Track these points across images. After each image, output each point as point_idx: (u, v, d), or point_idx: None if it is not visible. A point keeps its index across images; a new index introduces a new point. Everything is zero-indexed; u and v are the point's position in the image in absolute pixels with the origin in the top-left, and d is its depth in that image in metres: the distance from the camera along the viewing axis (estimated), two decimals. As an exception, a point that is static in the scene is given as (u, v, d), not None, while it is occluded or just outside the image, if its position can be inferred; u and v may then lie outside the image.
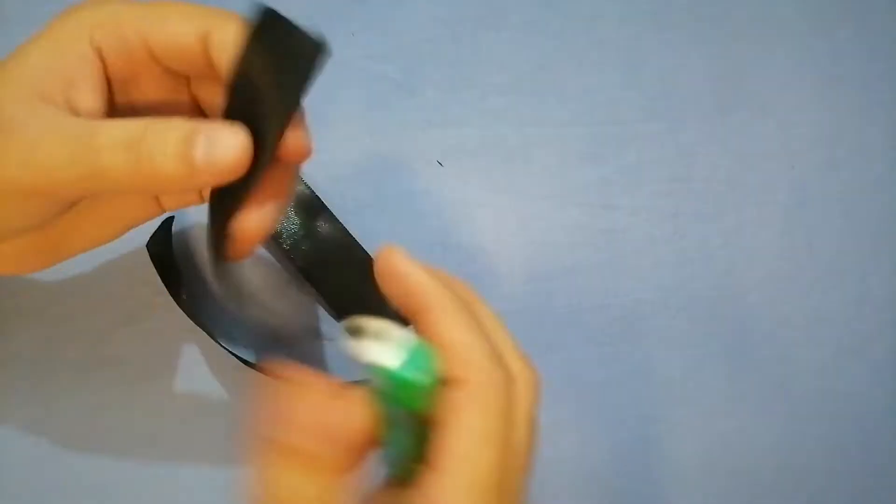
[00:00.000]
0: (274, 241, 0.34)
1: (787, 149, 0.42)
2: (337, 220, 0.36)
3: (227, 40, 0.24)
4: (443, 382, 0.23)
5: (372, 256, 0.36)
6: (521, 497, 0.24)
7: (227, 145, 0.23)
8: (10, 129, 0.24)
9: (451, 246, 0.38)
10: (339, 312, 0.35)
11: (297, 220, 0.35)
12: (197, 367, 0.36)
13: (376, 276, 0.25)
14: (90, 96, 0.25)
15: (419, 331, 0.24)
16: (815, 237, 0.41)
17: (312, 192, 0.36)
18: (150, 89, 0.27)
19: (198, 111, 0.28)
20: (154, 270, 0.33)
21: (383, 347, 0.22)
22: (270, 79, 0.23)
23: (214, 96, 0.27)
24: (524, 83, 0.40)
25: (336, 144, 0.38)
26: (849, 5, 0.43)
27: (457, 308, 0.24)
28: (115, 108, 0.27)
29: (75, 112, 0.25)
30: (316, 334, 0.37)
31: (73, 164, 0.23)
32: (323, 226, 0.36)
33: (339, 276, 0.34)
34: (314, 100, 0.40)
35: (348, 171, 0.38)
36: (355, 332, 0.23)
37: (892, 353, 0.41)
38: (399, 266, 0.25)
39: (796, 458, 0.39)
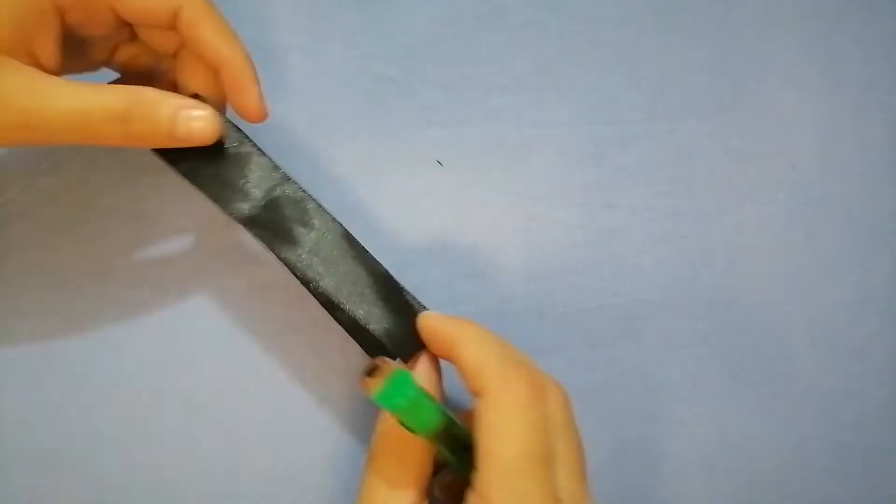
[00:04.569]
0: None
1: (787, 149, 0.42)
2: (334, 219, 0.36)
3: (195, 17, 0.29)
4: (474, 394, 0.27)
5: (369, 254, 0.36)
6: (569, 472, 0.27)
7: (202, 121, 0.29)
8: None
9: (452, 246, 0.38)
10: (334, 309, 0.35)
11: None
12: (198, 364, 0.36)
13: (423, 340, 0.31)
14: (49, 51, 0.28)
15: (455, 364, 0.29)
16: (815, 237, 0.41)
17: (305, 192, 0.36)
18: (98, 29, 0.30)
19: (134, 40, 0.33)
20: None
21: (371, 381, 0.26)
22: None
23: (164, 42, 0.32)
24: (524, 83, 0.40)
25: (336, 144, 0.38)
26: (849, 5, 0.43)
27: (473, 336, 0.29)
28: (65, 44, 0.30)
29: (38, 66, 0.28)
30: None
31: (72, 130, 0.27)
32: (320, 224, 0.36)
33: (336, 272, 0.34)
34: (315, 100, 0.40)
35: (348, 171, 0.38)
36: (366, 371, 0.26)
37: (892, 353, 0.41)
38: (432, 323, 0.30)
39: (796, 458, 0.39)
